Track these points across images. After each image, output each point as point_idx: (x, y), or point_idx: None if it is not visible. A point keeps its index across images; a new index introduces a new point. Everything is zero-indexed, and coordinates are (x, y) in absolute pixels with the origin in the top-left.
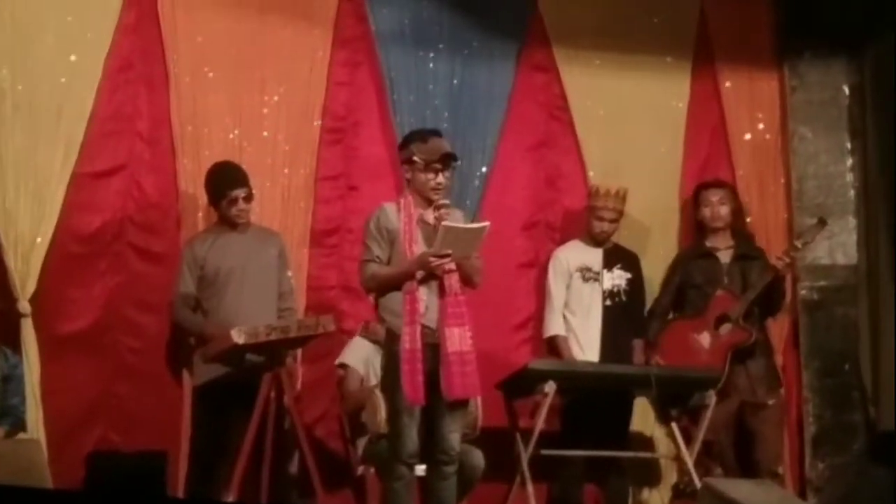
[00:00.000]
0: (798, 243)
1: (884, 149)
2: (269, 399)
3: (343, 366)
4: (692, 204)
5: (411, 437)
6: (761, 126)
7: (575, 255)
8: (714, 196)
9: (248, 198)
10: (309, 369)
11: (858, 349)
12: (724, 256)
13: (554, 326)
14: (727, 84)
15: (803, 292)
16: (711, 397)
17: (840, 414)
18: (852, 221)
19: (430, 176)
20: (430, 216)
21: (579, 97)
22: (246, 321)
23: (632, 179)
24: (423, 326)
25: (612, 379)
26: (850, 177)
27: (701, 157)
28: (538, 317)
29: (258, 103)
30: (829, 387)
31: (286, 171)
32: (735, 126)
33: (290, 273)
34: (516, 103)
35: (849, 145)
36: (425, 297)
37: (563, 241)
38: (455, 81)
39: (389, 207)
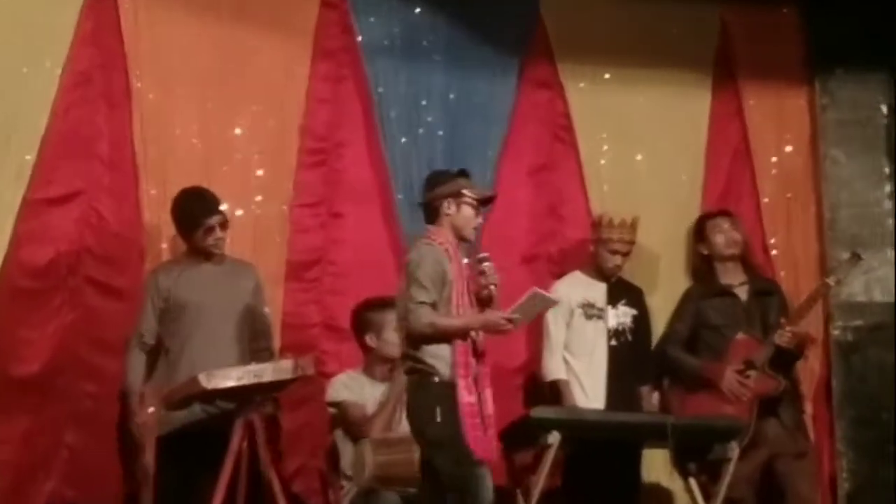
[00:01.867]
0: (830, 281)
1: None
2: (242, 450)
3: (336, 404)
4: (695, 237)
5: (489, 487)
6: (789, 148)
7: (577, 289)
8: (725, 223)
9: (224, 225)
10: (286, 417)
11: None
12: (742, 293)
13: (554, 370)
14: (751, 102)
15: (836, 332)
16: (734, 450)
17: (878, 469)
18: (891, 254)
19: (474, 215)
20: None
21: (585, 116)
22: (216, 363)
23: (644, 207)
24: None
25: (624, 429)
26: (888, 204)
27: (722, 182)
28: (536, 358)
29: (230, 123)
30: (866, 438)
31: (260, 197)
32: (760, 148)
33: (267, 309)
34: (517, 122)
35: (887, 170)
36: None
37: (562, 275)
38: (451, 97)
39: (440, 250)
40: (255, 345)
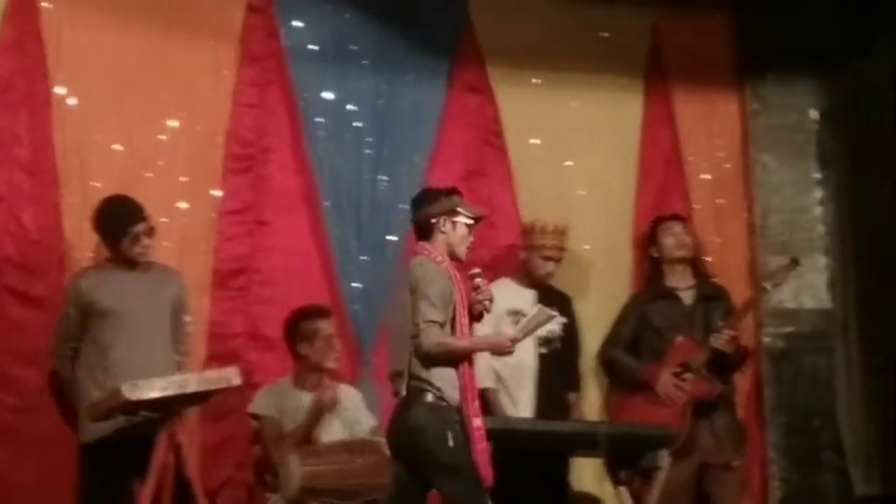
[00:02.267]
0: (766, 285)
1: (857, 179)
2: (167, 463)
3: (256, 416)
4: (647, 240)
5: None
6: (720, 154)
7: (505, 296)
8: (677, 226)
9: (150, 233)
10: (211, 429)
11: (832, 403)
12: (687, 297)
13: (481, 378)
14: (682, 107)
15: (767, 340)
16: (665, 458)
17: (809, 476)
18: (822, 260)
19: (468, 233)
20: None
21: (516, 121)
22: (139, 373)
23: (576, 213)
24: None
25: (554, 438)
26: (818, 210)
27: (655, 187)
28: None
29: (154, 129)
30: (797, 446)
31: (186, 204)
32: (691, 154)
33: (188, 318)
34: (447, 127)
35: (818, 175)
36: None
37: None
38: (379, 102)
39: (442, 268)
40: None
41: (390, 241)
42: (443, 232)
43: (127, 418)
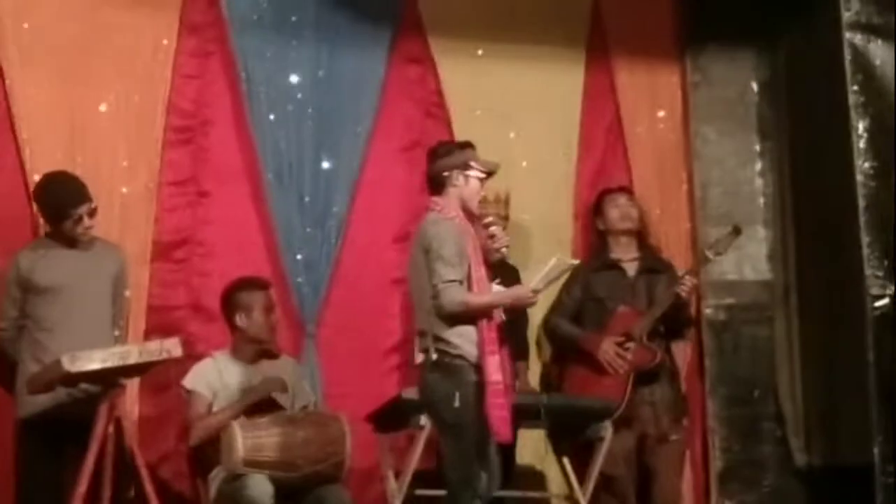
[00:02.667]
0: (709, 254)
1: (797, 152)
2: (107, 435)
3: (187, 391)
4: (593, 211)
5: (483, 481)
6: (662, 126)
7: None
8: (622, 198)
9: (93, 213)
10: (152, 401)
11: (773, 374)
12: (630, 269)
13: None
14: (624, 78)
15: (708, 311)
16: (607, 429)
17: (749, 447)
18: (762, 232)
19: (480, 187)
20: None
21: (458, 92)
22: (80, 346)
23: (519, 184)
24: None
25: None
26: (759, 182)
27: (597, 159)
28: (412, 339)
29: (94, 98)
30: (738, 417)
31: (126, 175)
32: (632, 125)
33: (127, 293)
34: (388, 98)
35: (758, 147)
36: None
37: None
38: (320, 73)
39: (453, 224)
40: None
41: (333, 212)
42: (455, 185)
43: (67, 391)
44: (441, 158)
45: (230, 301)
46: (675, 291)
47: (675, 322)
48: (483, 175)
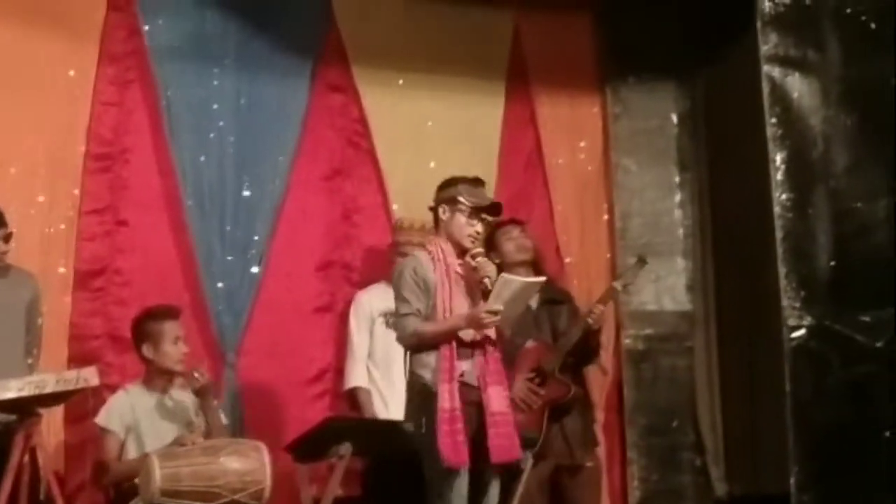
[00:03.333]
0: (617, 285)
1: (716, 183)
2: (23, 465)
3: (100, 428)
4: (486, 246)
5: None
6: (582, 157)
7: (378, 298)
8: (515, 231)
9: (8, 238)
10: (69, 430)
11: (692, 404)
12: (532, 302)
13: (354, 378)
14: (544, 109)
15: (627, 341)
16: (528, 461)
17: (668, 476)
18: (681, 263)
19: (472, 223)
20: (457, 266)
21: (380, 121)
22: None
23: None
24: (463, 384)
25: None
26: (678, 213)
27: (516, 189)
28: (334, 367)
29: (13, 126)
30: (656, 446)
31: (45, 203)
32: (553, 156)
33: (40, 321)
34: (311, 127)
35: (677, 179)
36: (467, 354)
37: (362, 283)
38: (242, 101)
39: (423, 256)
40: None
41: (254, 240)
42: (442, 220)
43: None
44: (437, 193)
45: (137, 331)
46: (584, 323)
47: (583, 352)
48: (468, 210)
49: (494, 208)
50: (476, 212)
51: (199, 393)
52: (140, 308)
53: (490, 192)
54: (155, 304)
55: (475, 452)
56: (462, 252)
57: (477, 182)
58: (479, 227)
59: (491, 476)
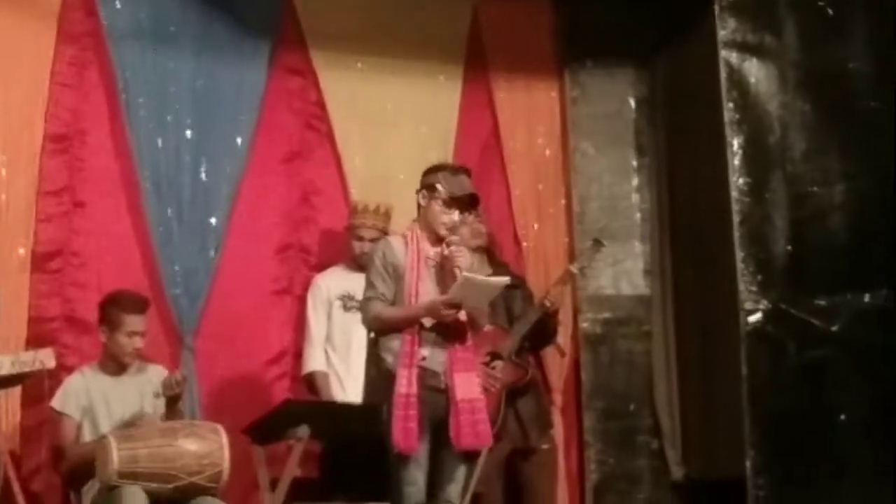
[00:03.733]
0: (573, 268)
1: (673, 167)
2: None
3: (56, 412)
4: None
5: (418, 487)
6: (540, 141)
7: (336, 281)
8: (470, 216)
9: None
10: (26, 413)
11: (649, 387)
12: None
13: (312, 362)
14: (502, 93)
15: (585, 325)
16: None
17: (625, 460)
18: (638, 247)
19: (448, 211)
20: (432, 253)
21: (339, 104)
22: None
23: (397, 197)
24: (425, 370)
25: (373, 421)
26: (636, 197)
27: (472, 172)
28: (293, 351)
29: None
30: (613, 430)
31: (4, 184)
32: (510, 140)
33: None
34: (268, 109)
35: (635, 163)
36: (430, 340)
37: (320, 266)
38: (199, 83)
39: (395, 241)
40: None
41: (211, 223)
42: (421, 205)
43: None
44: (421, 179)
45: (101, 310)
46: (541, 306)
47: (541, 334)
48: (444, 198)
49: (469, 200)
50: (453, 201)
51: (171, 400)
52: (97, 290)
53: None
54: (126, 291)
55: (438, 439)
56: (438, 239)
57: (458, 171)
58: (455, 216)
59: (457, 463)
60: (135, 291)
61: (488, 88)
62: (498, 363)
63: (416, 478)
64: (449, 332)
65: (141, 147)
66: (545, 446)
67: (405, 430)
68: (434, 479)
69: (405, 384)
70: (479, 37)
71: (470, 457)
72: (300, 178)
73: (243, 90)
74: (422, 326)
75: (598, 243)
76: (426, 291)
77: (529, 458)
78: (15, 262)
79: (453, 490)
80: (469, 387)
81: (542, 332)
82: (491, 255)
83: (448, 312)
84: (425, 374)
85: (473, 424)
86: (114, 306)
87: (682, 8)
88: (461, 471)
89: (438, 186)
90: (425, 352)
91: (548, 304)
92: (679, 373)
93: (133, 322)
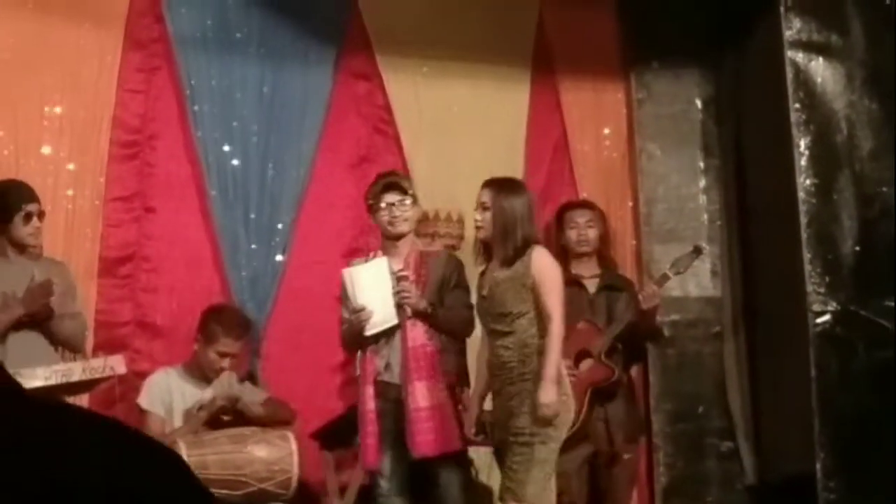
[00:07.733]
0: (670, 272)
1: (740, 168)
2: None
3: (142, 410)
4: (555, 226)
5: (393, 500)
6: (607, 143)
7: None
8: (581, 217)
9: (41, 215)
10: None
11: (717, 390)
12: (591, 286)
13: None
14: (569, 96)
15: None
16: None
17: (694, 463)
18: (706, 248)
19: (384, 213)
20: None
21: (405, 108)
22: (23, 363)
23: (465, 202)
24: (385, 384)
25: None
26: (703, 199)
27: (541, 177)
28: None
29: (37, 114)
30: (682, 432)
31: (70, 191)
32: (578, 143)
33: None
34: (335, 114)
35: (702, 164)
36: (385, 352)
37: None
38: (265, 89)
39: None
40: None
41: (278, 228)
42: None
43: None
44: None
45: (202, 319)
46: (637, 309)
47: (640, 334)
48: (373, 203)
49: (388, 188)
50: (377, 202)
51: (252, 421)
52: (168, 295)
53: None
54: (232, 310)
55: (402, 449)
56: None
57: (386, 175)
58: (397, 211)
59: (437, 469)
60: (241, 312)
61: (556, 91)
62: (586, 362)
63: (386, 489)
64: (403, 341)
65: (207, 153)
66: (627, 456)
67: (364, 447)
68: (425, 489)
69: (367, 401)
70: (545, 39)
71: (447, 463)
72: (368, 183)
73: (309, 95)
74: (364, 339)
75: (697, 250)
76: None
77: (611, 465)
78: (83, 268)
79: (441, 496)
80: (427, 393)
81: (643, 331)
82: (602, 256)
83: (357, 318)
84: (384, 388)
85: (429, 432)
86: (215, 322)
87: (748, 8)
88: (447, 476)
89: (369, 202)
90: (378, 362)
91: (640, 298)
92: (752, 374)
93: (227, 344)
